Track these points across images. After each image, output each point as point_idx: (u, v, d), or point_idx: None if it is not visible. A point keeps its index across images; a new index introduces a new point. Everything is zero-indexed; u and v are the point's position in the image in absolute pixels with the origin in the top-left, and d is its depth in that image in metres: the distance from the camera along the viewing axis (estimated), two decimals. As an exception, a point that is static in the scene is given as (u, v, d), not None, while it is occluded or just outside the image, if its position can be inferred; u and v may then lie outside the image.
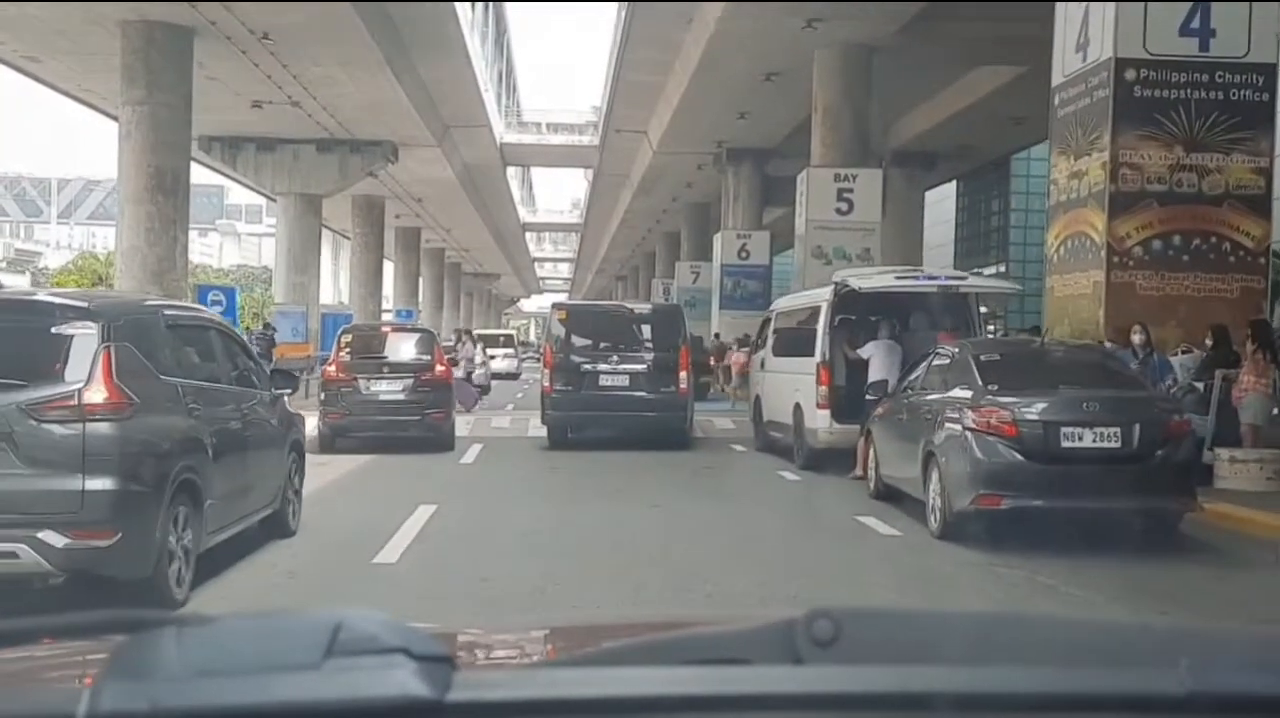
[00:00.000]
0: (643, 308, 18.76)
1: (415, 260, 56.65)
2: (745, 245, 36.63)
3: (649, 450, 15.73)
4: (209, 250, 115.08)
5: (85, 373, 6.02)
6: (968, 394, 9.12)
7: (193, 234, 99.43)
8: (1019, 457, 8.57)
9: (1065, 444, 8.55)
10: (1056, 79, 14.51)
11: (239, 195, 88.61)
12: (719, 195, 40.90)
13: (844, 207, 26.39)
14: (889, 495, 10.95)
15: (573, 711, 0.92)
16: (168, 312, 7.39)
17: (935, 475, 9.19)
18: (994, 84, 29.53)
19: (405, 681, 0.87)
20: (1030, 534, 8.50)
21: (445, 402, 16.30)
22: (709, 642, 1.11)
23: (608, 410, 16.29)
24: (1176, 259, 13.26)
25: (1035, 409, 8.69)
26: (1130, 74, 13.21)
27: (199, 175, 65.68)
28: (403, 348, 16.84)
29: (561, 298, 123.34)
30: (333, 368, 16.36)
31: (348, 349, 16.76)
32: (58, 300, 6.71)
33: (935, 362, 10.31)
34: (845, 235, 26.42)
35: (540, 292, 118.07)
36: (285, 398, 9.13)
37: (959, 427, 8.91)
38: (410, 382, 16.01)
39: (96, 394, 6.01)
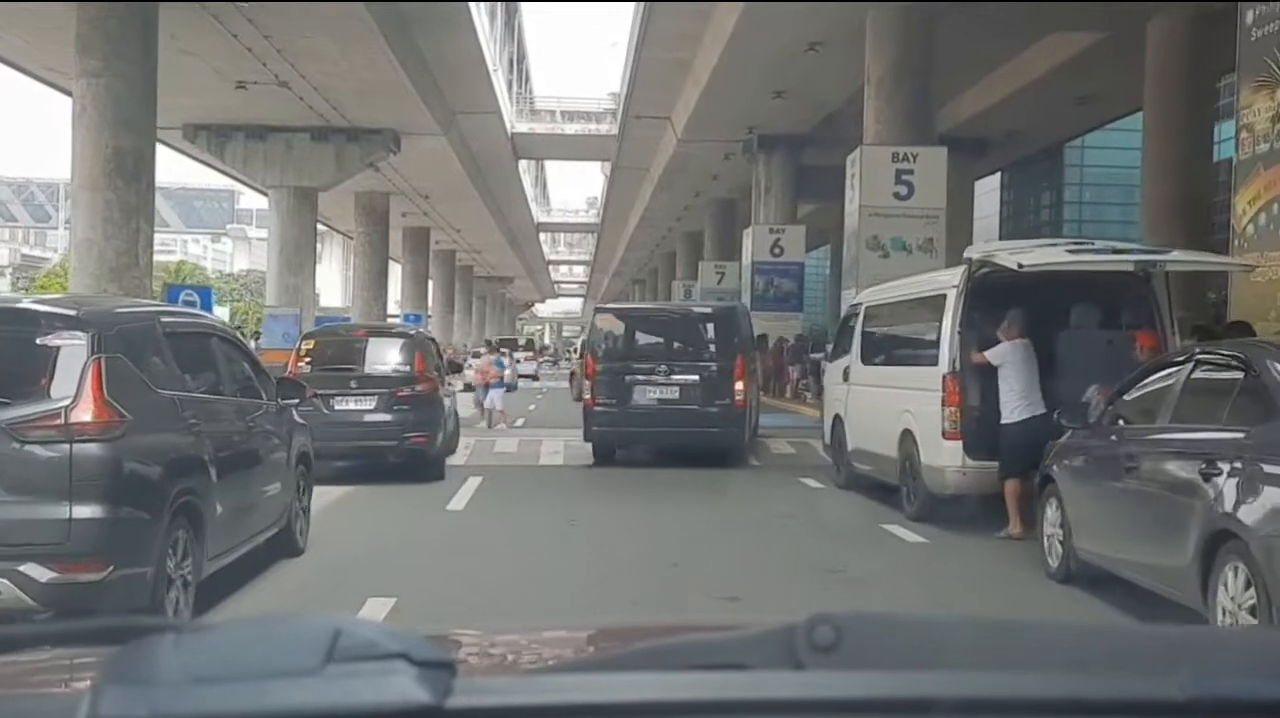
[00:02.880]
0: (698, 309, 16.79)
1: (424, 263, 52.78)
2: (779, 241, 32.66)
3: (701, 486, 11.80)
4: (221, 256, 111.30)
5: (73, 389, 5.47)
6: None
7: (204, 240, 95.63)
8: None
9: None
10: (1249, -10, 10.43)
11: (250, 200, 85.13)
12: (746, 190, 37.08)
13: (903, 190, 22.47)
14: (1084, 578, 6.92)
15: (573, 715, 0.88)
16: (165, 318, 6.76)
17: (1236, 577, 5.17)
18: (1061, 57, 25.60)
19: (405, 686, 0.84)
20: None
21: (430, 422, 12.95)
22: (710, 647, 1.05)
23: (657, 427, 14.18)
24: None
25: None
26: (1378, -30, 9.16)
27: (206, 178, 62.01)
28: (377, 357, 13.62)
29: (576, 303, 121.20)
30: None
31: (309, 359, 13.52)
32: (43, 309, 6.03)
33: (1194, 374, 6.25)
34: (905, 223, 22.51)
35: (555, 296, 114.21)
36: (293, 408, 8.32)
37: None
38: (385, 398, 12.85)
39: (84, 412, 5.46)
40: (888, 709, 0.89)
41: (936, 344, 9.48)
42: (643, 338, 15.18)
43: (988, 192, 39.90)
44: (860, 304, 12.01)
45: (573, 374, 35.77)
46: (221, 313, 52.67)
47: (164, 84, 26.41)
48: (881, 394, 10.75)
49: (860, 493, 11.42)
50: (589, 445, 14.49)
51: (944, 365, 9.25)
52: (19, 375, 5.65)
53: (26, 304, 6.46)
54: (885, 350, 11.05)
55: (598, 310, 16.39)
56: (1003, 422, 8.98)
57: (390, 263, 54.16)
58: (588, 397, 14.66)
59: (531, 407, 27.69)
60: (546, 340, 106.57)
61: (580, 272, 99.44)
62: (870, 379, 11.23)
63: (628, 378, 14.22)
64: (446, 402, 14.28)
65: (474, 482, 12.30)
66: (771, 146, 32.65)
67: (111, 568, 5.37)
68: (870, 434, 11.05)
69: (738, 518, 10.19)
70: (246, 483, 7.00)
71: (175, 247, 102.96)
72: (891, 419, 10.25)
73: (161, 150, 37.25)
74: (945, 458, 9.23)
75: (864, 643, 0.94)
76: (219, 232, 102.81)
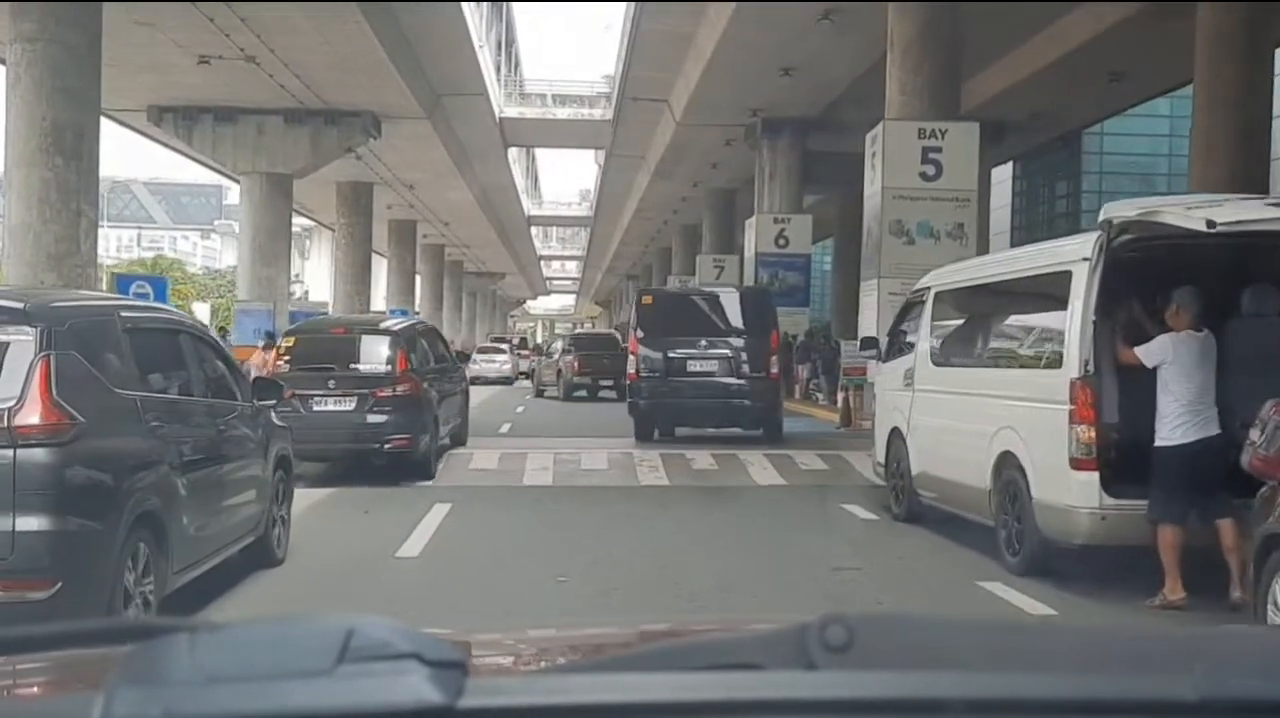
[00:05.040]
0: (730, 291, 17.57)
1: (411, 256, 50.02)
2: (784, 231, 30.12)
3: (726, 516, 9.33)
4: (211, 252, 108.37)
5: (17, 389, 4.96)
6: None
7: (194, 236, 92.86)
8: None
9: None
10: None
11: (238, 195, 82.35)
12: (746, 180, 34.61)
13: (930, 170, 19.96)
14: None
15: (586, 716, 0.88)
16: (125, 313, 6.11)
17: None
18: (1096, 29, 23.02)
19: (418, 686, 0.83)
20: None
21: (413, 425, 12.23)
22: (722, 647, 1.06)
23: (697, 398, 15.09)
24: None
25: None
26: None
27: (195, 174, 59.01)
28: (357, 355, 13.00)
29: (569, 299, 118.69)
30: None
31: (287, 356, 13.05)
32: None
33: None
34: (932, 207, 20.02)
35: (548, 292, 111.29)
36: (270, 410, 7.81)
37: None
38: (364, 399, 12.22)
39: (31, 414, 4.93)
40: (900, 709, 0.88)
41: (1057, 338, 6.87)
42: (683, 318, 15.75)
43: (999, 182, 37.38)
44: (927, 289, 9.30)
45: (533, 371, 35.92)
46: (202, 309, 50.01)
47: (121, 59, 23.94)
48: (965, 404, 8.13)
49: (929, 529, 8.81)
50: (582, 461, 12.75)
51: (1072, 367, 6.62)
52: None
53: None
54: (970, 347, 8.42)
55: (641, 293, 17.52)
56: (1158, 444, 6.39)
57: (377, 258, 51.55)
58: (631, 372, 15.51)
59: (520, 408, 25.00)
60: (539, 338, 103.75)
61: (573, 268, 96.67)
62: (947, 384, 8.59)
63: (669, 354, 15.09)
64: (454, 397, 14.01)
65: (440, 511, 9.71)
66: (777, 131, 30.14)
67: (59, 585, 4.87)
68: (947, 456, 8.44)
69: (783, 570, 7.51)
70: (217, 490, 6.50)
71: (164, 243, 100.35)
72: (982, 438, 7.64)
73: (147, 144, 34.76)
74: (1074, 495, 6.60)
75: (876, 643, 0.93)
76: (207, 228, 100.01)
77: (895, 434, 9.49)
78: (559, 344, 34.39)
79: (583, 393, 28.26)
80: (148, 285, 21.40)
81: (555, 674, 1.23)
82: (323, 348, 13.25)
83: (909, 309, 9.75)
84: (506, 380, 37.02)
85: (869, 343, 10.16)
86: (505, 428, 18.96)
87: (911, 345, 9.37)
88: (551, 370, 30.95)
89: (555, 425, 19.49)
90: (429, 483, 11.56)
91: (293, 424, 11.17)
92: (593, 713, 0.87)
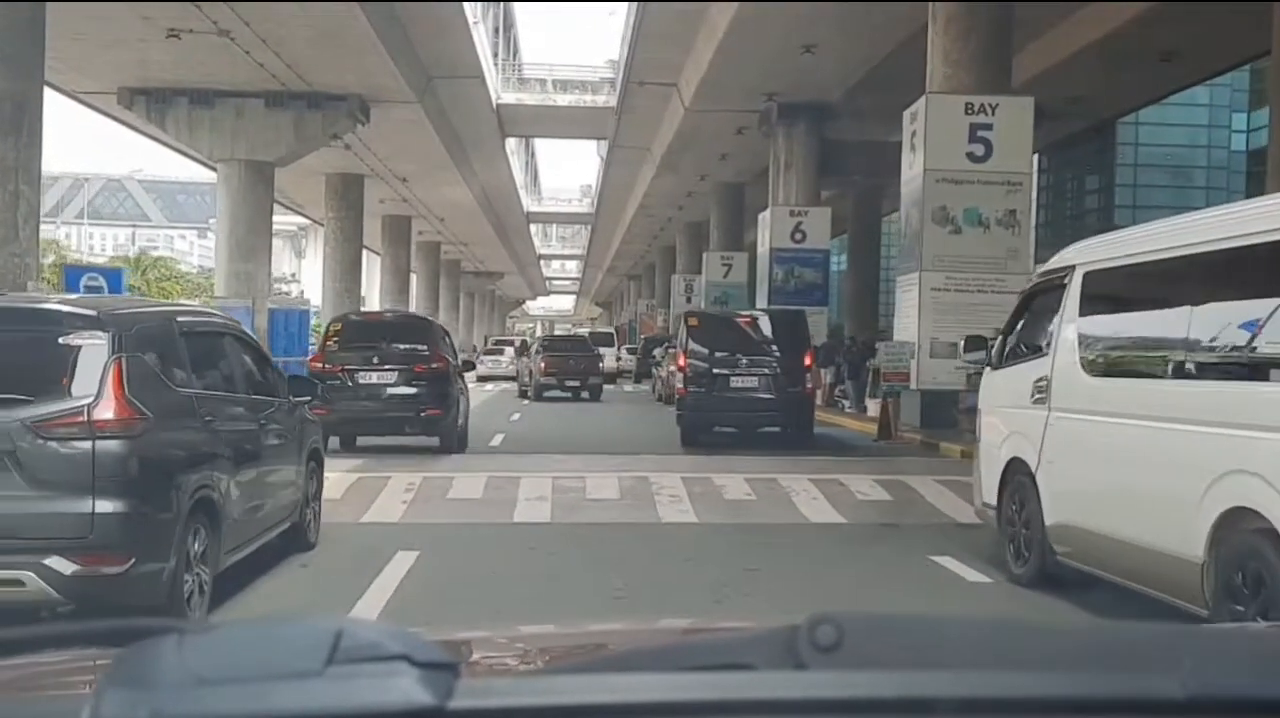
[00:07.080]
0: (767, 314, 18.81)
1: (406, 254, 47.38)
2: (800, 225, 27.69)
3: (785, 586, 6.87)
4: (207, 252, 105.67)
5: (94, 387, 5.40)
6: None
7: (191, 234, 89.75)
8: None
9: None
10: None
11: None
12: (756, 174, 32.23)
13: (979, 150, 17.56)
14: None
15: (576, 716, 0.87)
16: (181, 318, 6.64)
17: None
18: (1148, 3, 20.36)
19: (408, 688, 0.82)
20: None
21: (443, 396, 14.18)
22: (712, 647, 1.06)
23: (738, 411, 16.25)
24: None
25: None
26: None
27: (192, 172, 56.46)
28: (397, 337, 14.99)
29: (569, 300, 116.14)
30: (318, 361, 14.86)
31: (336, 338, 15.04)
32: (65, 309, 5.97)
33: None
34: (981, 191, 17.63)
35: (547, 293, 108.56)
36: (304, 406, 8.13)
37: None
38: (404, 373, 14.15)
39: (106, 410, 5.38)
40: (890, 709, 0.87)
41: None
42: (726, 338, 16.66)
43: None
44: (1069, 268, 6.56)
45: (516, 374, 36.19)
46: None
47: (82, 32, 21.52)
48: (1152, 433, 5.49)
49: (1075, 603, 6.18)
50: (588, 488, 10.70)
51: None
52: (41, 374, 5.53)
53: (48, 305, 6.33)
54: (1159, 351, 5.76)
55: (687, 314, 18.79)
56: None
57: (372, 257, 48.93)
58: (679, 386, 16.64)
59: (515, 416, 22.40)
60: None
61: (573, 267, 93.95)
62: (1112, 403, 5.93)
63: (714, 370, 16.02)
64: (462, 397, 14.99)
65: (402, 564, 7.15)
66: (793, 117, 27.68)
67: (133, 561, 5.28)
68: (1114, 505, 5.84)
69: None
70: (260, 479, 6.85)
71: (160, 241, 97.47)
72: (1189, 483, 5.06)
73: (140, 141, 32.19)
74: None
75: (866, 643, 0.92)
76: (203, 227, 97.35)
77: (1017, 467, 6.83)
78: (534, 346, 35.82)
79: (556, 393, 28.30)
80: (100, 278, 18.89)
81: (546, 675, 1.21)
82: (367, 330, 15.62)
83: (1034, 298, 7.09)
84: (512, 377, 37.62)
85: (975, 344, 7.55)
86: (498, 439, 16.44)
87: (1039, 348, 6.77)
88: (528, 371, 31.34)
89: (554, 437, 17.00)
90: (395, 521, 8.97)
91: (341, 395, 13.65)
92: (583, 714, 0.86)
